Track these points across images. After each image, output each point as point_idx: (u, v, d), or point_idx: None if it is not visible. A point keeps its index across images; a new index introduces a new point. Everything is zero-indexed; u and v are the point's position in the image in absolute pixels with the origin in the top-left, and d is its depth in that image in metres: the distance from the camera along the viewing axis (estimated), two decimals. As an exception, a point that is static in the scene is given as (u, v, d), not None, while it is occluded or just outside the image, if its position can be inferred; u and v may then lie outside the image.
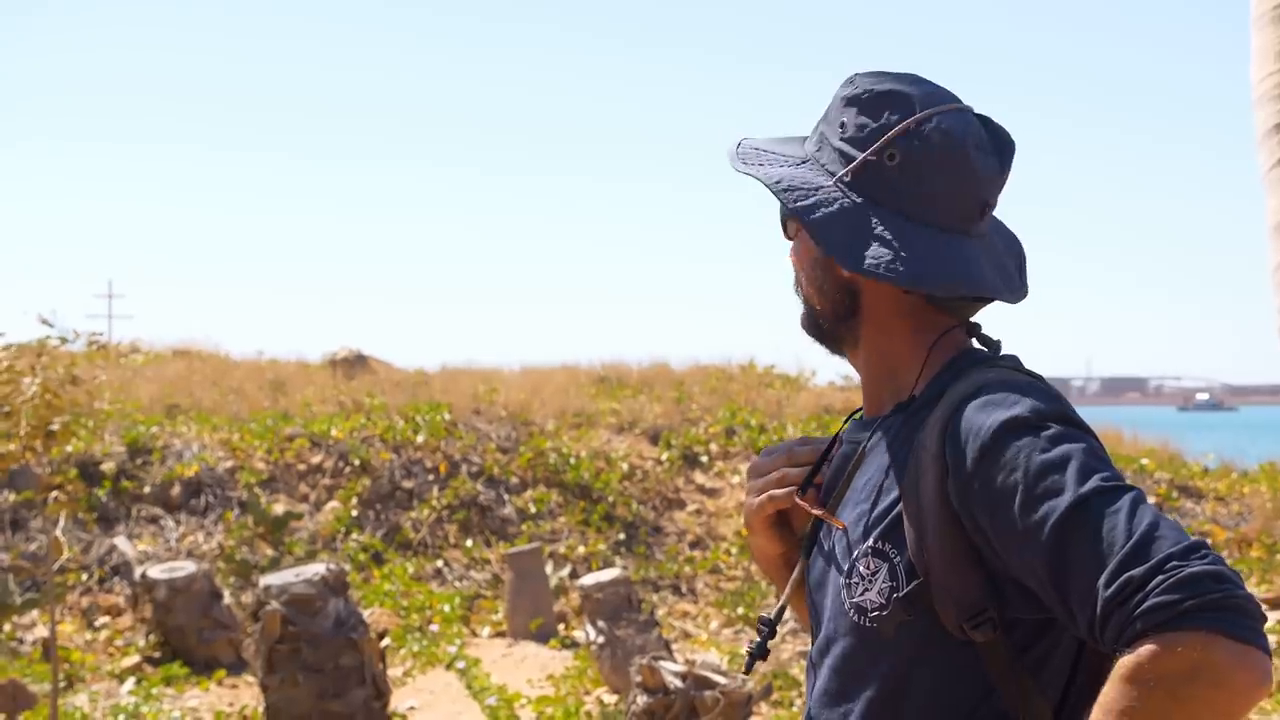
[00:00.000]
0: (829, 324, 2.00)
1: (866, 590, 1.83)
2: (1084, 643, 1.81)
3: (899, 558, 1.81)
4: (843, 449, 2.01)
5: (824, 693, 1.91)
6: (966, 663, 1.80)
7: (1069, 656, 1.83)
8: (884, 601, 1.81)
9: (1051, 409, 1.77)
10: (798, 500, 2.00)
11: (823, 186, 1.92)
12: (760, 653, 2.04)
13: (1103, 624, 1.63)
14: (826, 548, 1.95)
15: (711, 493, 15.15)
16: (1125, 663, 1.60)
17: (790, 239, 2.02)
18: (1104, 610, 1.62)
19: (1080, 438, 1.75)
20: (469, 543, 13.68)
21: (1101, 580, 1.62)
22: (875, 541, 1.84)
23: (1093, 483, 1.68)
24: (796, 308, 2.06)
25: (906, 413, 1.91)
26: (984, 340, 1.98)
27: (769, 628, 2.04)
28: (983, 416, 1.77)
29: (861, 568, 1.84)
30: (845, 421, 2.06)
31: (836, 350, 2.03)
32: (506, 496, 14.53)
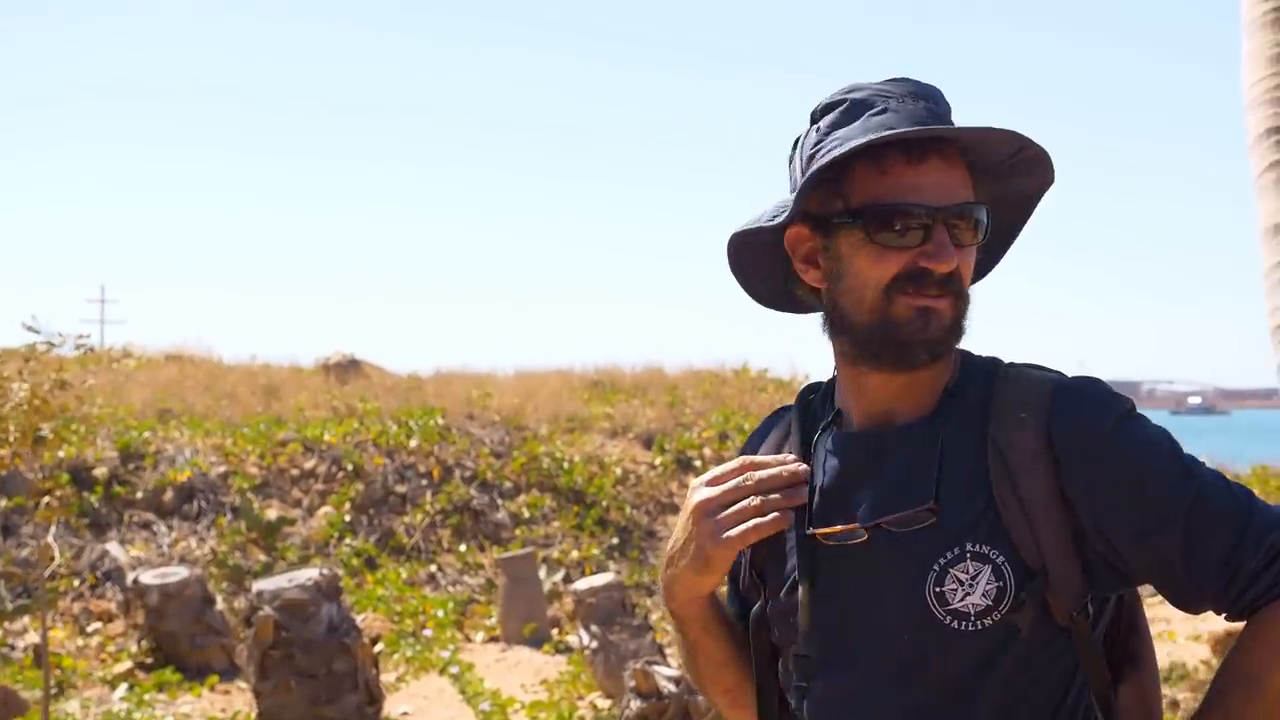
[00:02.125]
0: (963, 329, 1.92)
1: (968, 595, 1.82)
2: (1115, 619, 1.94)
3: (1001, 557, 1.82)
4: (831, 463, 1.96)
5: (914, 710, 1.85)
6: (1062, 649, 1.85)
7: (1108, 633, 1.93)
8: (990, 603, 1.81)
9: (1130, 400, 1.88)
10: (812, 531, 1.92)
11: None
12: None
13: (1248, 584, 1.78)
14: (860, 567, 1.89)
15: (705, 497, 15.13)
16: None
17: (973, 245, 1.90)
18: (1254, 570, 1.78)
19: (1159, 425, 1.90)
20: (462, 547, 13.67)
21: (1243, 548, 1.78)
22: (973, 545, 1.83)
23: (1197, 465, 1.85)
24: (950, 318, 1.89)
25: (949, 417, 1.89)
26: None
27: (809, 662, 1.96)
28: (1091, 413, 1.84)
29: (958, 573, 1.82)
30: (819, 434, 2.01)
31: (943, 358, 1.91)
32: (500, 501, 14.51)
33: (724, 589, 2.15)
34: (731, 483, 1.94)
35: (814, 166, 1.88)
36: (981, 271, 2.03)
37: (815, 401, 2.07)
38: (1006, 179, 1.94)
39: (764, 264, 2.05)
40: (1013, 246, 2.06)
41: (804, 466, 1.96)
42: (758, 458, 1.99)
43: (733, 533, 1.91)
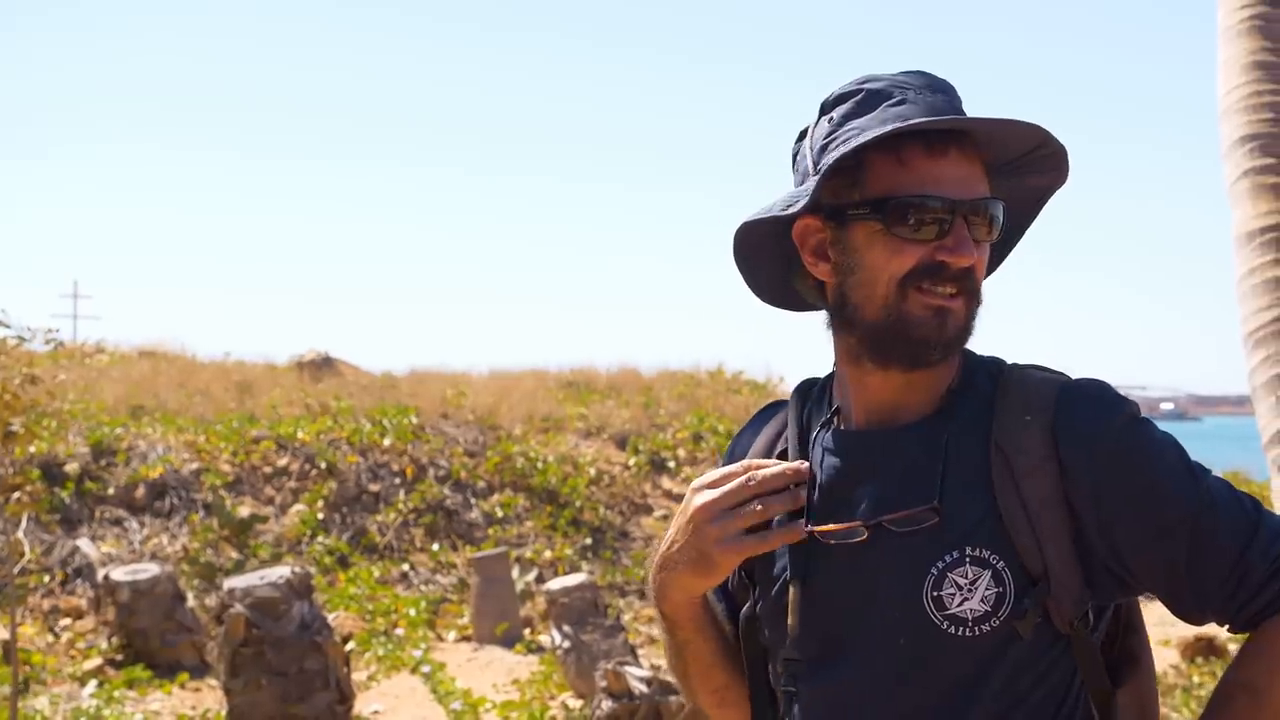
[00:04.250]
0: (973, 329, 1.90)
1: (966, 600, 1.79)
2: (1113, 620, 1.92)
3: (1002, 563, 1.79)
4: (829, 461, 1.93)
5: (909, 715, 1.83)
6: (1061, 656, 1.82)
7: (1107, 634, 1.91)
8: (989, 609, 1.78)
9: (1135, 403, 1.84)
10: (812, 529, 1.88)
11: None
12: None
13: (1253, 595, 1.77)
14: (858, 567, 1.86)
15: (679, 498, 15.12)
16: None
17: (982, 240, 1.87)
18: (1259, 581, 1.77)
19: (1164, 430, 1.86)
20: (435, 546, 13.64)
21: (1249, 558, 1.77)
22: (973, 549, 1.79)
23: (1203, 471, 1.82)
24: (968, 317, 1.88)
25: (952, 418, 1.86)
26: None
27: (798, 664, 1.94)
28: (1097, 417, 1.81)
29: (957, 577, 1.79)
30: (816, 432, 1.98)
31: (950, 356, 1.89)
32: (473, 500, 14.49)
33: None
34: (733, 485, 1.88)
35: (830, 155, 1.84)
36: (986, 271, 2.00)
37: (812, 398, 2.04)
38: (1018, 176, 1.91)
39: (767, 257, 2.00)
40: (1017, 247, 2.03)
41: (805, 465, 1.92)
42: (759, 460, 1.95)
43: (745, 542, 1.87)
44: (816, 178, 1.85)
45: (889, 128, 1.79)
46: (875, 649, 1.84)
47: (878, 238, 1.84)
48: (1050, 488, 1.79)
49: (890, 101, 1.85)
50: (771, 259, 2.00)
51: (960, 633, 1.79)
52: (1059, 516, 1.79)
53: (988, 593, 1.78)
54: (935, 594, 1.80)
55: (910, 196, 1.81)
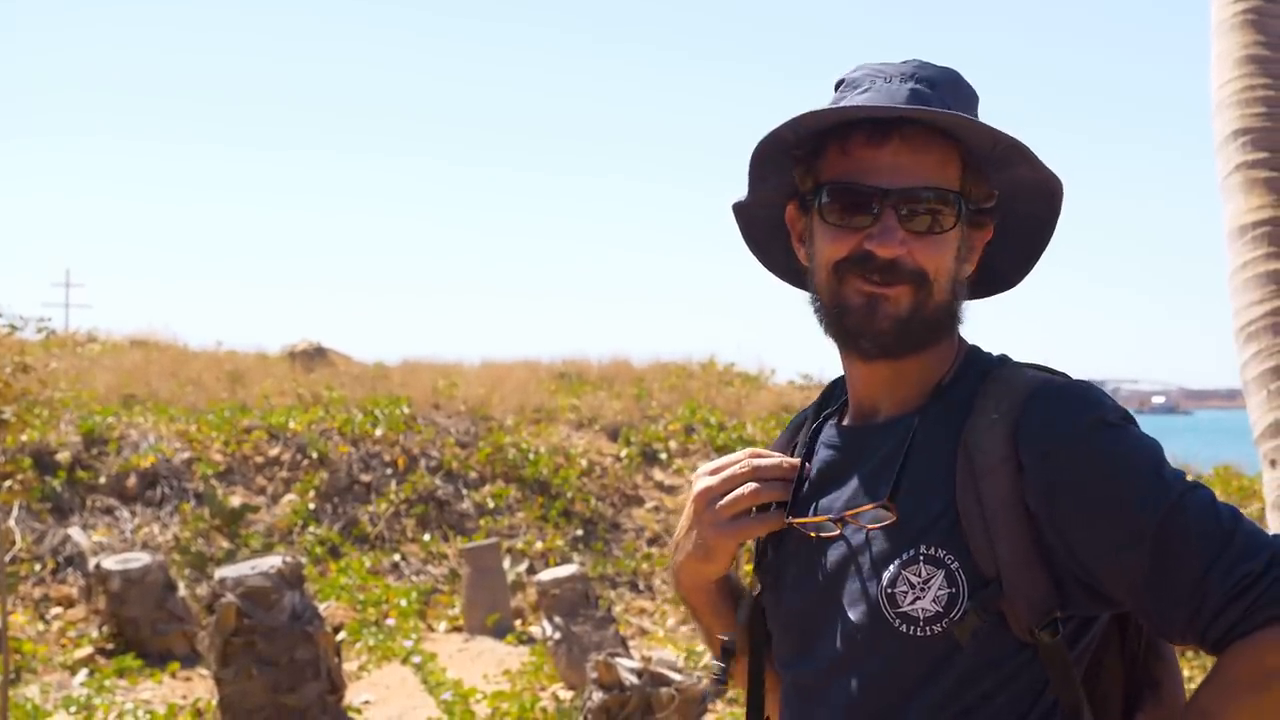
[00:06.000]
0: (946, 321, 1.87)
1: (918, 599, 1.77)
2: (1135, 640, 1.87)
3: (956, 563, 1.76)
4: (823, 455, 1.94)
5: (855, 709, 1.83)
6: (1025, 666, 1.78)
7: (1095, 653, 1.85)
8: (940, 609, 1.76)
9: (1118, 408, 1.78)
10: (791, 520, 1.90)
11: None
12: (724, 678, 2.00)
13: (1214, 616, 1.68)
14: (830, 559, 1.87)
15: (670, 490, 15.15)
16: (1248, 650, 1.67)
17: (942, 232, 1.83)
18: (1220, 602, 1.68)
19: (1149, 436, 1.78)
20: (426, 537, 13.64)
21: (1213, 576, 1.68)
22: (927, 548, 1.78)
23: (1180, 482, 1.73)
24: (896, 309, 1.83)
25: (929, 414, 1.85)
26: None
27: (732, 651, 1.98)
28: (1062, 417, 1.76)
29: (910, 575, 1.78)
30: (813, 425, 2.00)
31: (913, 351, 1.86)
32: (465, 491, 14.49)
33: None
34: (729, 472, 1.92)
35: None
36: (1016, 269, 2.00)
37: (836, 393, 2.05)
38: (1005, 169, 1.88)
39: (767, 235, 2.03)
40: (1050, 243, 1.98)
41: (797, 460, 1.94)
42: (761, 449, 1.97)
43: (737, 527, 1.90)
44: (749, 164, 1.91)
45: (785, 119, 1.82)
46: (837, 642, 1.85)
47: (820, 225, 1.86)
48: (1008, 488, 1.75)
49: (858, 90, 1.86)
50: (772, 239, 2.02)
51: (912, 631, 1.78)
52: (1015, 518, 1.75)
53: (940, 593, 1.77)
54: (889, 591, 1.79)
55: (837, 183, 1.83)
